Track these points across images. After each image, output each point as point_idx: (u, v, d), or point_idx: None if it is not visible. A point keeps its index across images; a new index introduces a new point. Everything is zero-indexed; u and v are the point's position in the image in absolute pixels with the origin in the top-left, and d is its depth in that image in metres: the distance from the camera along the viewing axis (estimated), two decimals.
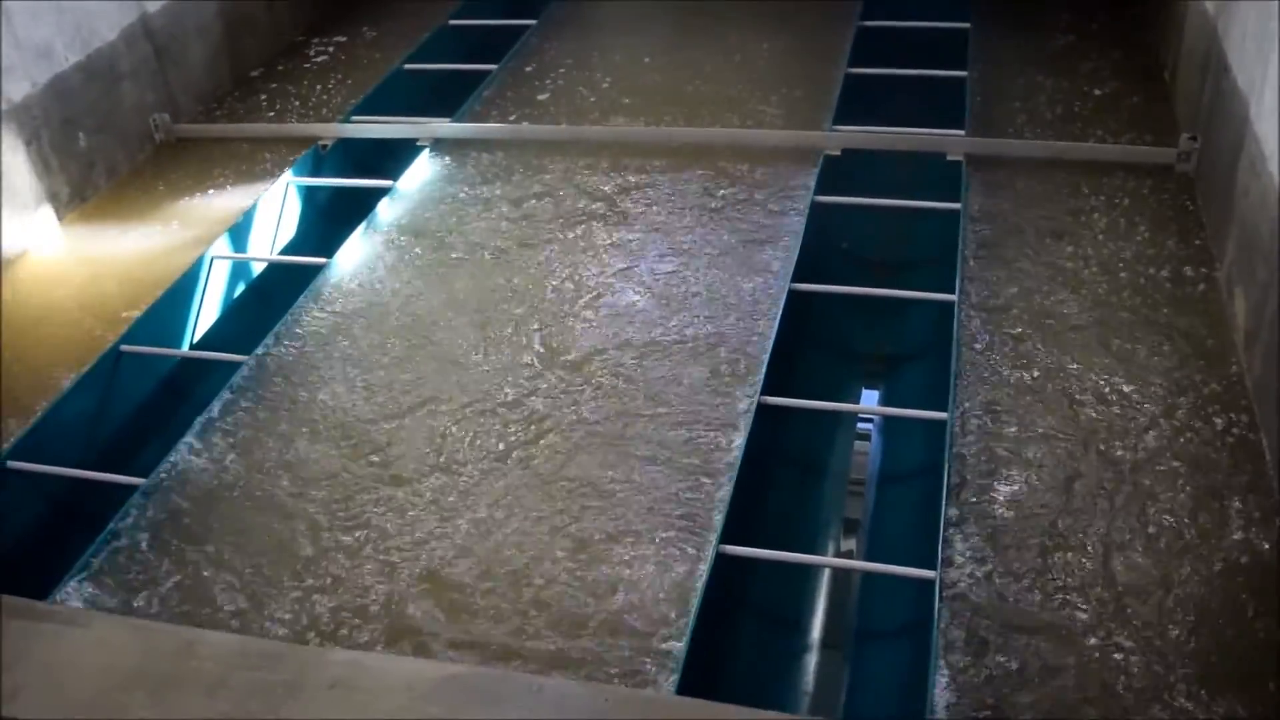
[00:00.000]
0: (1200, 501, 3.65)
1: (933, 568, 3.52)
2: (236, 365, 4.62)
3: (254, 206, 5.74)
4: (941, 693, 3.13)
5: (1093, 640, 3.22)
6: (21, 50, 5.37)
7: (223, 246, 5.49)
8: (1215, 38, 5.07)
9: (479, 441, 4.14)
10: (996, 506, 3.68)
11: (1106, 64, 6.41)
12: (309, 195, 6.22)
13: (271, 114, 6.65)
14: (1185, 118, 5.62)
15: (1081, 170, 5.44)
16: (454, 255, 5.23)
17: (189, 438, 4.25)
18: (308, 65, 7.24)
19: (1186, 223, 5.02)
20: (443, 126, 6.32)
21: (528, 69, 6.96)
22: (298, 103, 6.75)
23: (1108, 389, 4.13)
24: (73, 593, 3.62)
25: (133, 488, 4.06)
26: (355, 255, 5.31)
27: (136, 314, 4.93)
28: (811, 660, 4.13)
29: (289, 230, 6.03)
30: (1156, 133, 5.67)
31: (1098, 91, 6.14)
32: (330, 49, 7.41)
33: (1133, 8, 6.91)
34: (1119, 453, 3.85)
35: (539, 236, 5.28)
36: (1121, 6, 6.96)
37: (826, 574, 4.45)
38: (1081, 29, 6.83)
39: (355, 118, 6.52)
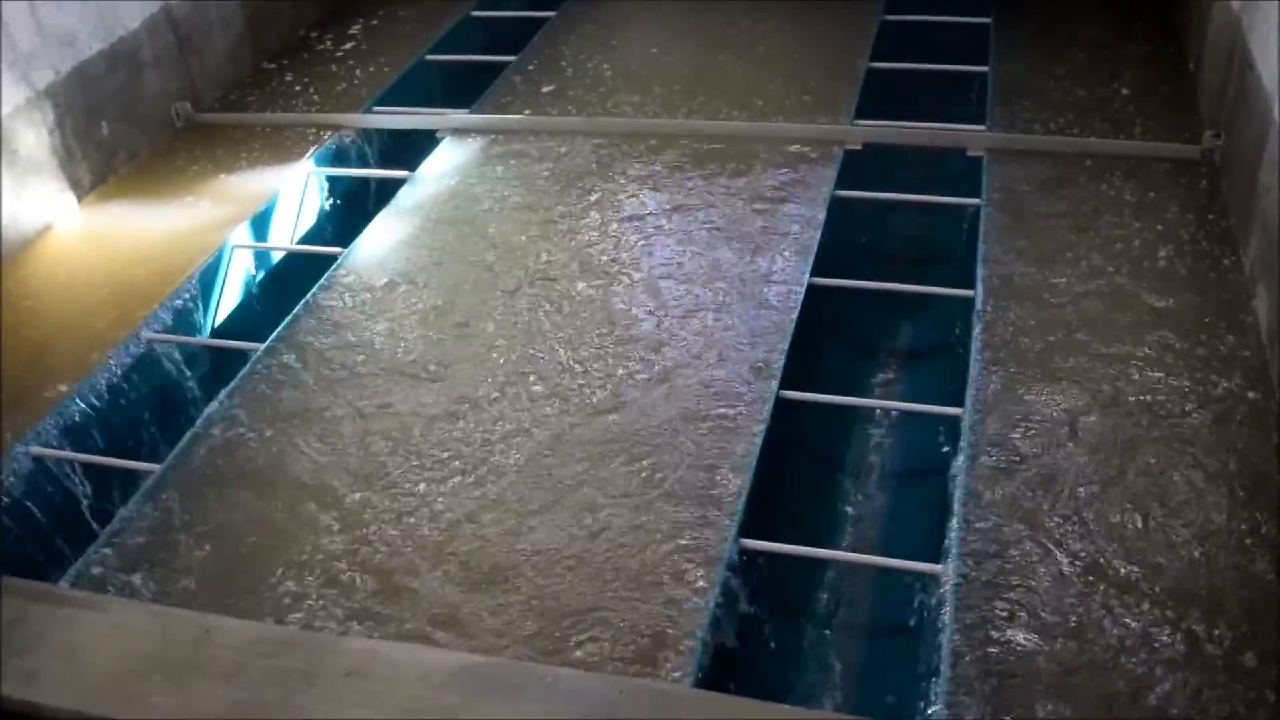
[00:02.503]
0: (1217, 488, 3.65)
1: (941, 562, 3.52)
2: (255, 353, 4.65)
3: (275, 196, 5.75)
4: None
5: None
6: (45, 38, 5.40)
7: (243, 235, 5.51)
8: (1240, 34, 5.04)
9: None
10: (1008, 496, 3.68)
11: (1130, 59, 6.36)
12: (329, 184, 6.23)
13: (293, 103, 6.66)
14: (1210, 114, 5.58)
15: (1104, 165, 5.41)
16: (473, 241, 5.24)
17: (204, 418, 4.31)
18: (330, 55, 7.25)
19: (1211, 217, 4.97)
20: (462, 117, 6.33)
21: (547, 61, 6.95)
22: (319, 93, 6.76)
23: (1133, 382, 4.10)
24: (86, 573, 3.67)
25: (150, 474, 4.09)
26: (376, 241, 5.33)
27: (156, 302, 4.95)
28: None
29: (309, 219, 6.05)
30: (1180, 128, 5.62)
31: (1121, 86, 6.10)
32: (353, 39, 7.42)
33: (1157, 2, 6.85)
34: (1141, 444, 3.83)
35: (558, 227, 5.28)
36: (1145, 1, 6.90)
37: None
38: (1105, 23, 6.79)
39: (376, 108, 6.53)
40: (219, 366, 4.98)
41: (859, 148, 5.76)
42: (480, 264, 5.08)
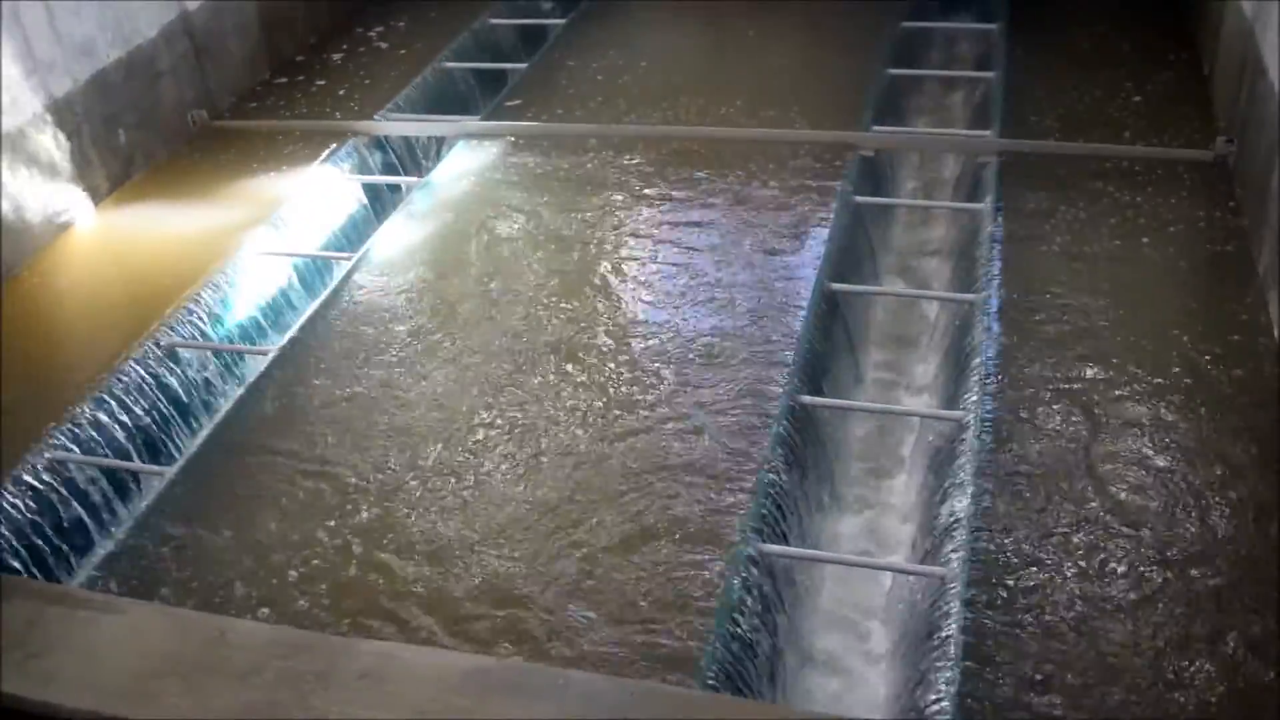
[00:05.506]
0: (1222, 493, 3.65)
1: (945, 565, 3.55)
2: (268, 357, 4.69)
3: (289, 202, 5.78)
4: None
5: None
6: (64, 46, 5.45)
7: (257, 240, 5.54)
8: (1252, 39, 5.03)
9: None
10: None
11: (1144, 63, 6.34)
12: (344, 191, 6.26)
13: (308, 110, 6.71)
14: (1224, 119, 5.57)
15: (1115, 170, 5.40)
16: (485, 245, 5.27)
17: (217, 420, 4.36)
18: (344, 62, 7.29)
19: (1224, 223, 4.96)
20: (475, 124, 6.36)
21: (560, 67, 6.98)
22: (334, 99, 6.80)
23: (1145, 385, 4.10)
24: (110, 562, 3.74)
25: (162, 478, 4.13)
26: (389, 246, 5.36)
27: (171, 306, 4.97)
28: None
29: (324, 225, 6.07)
30: (1194, 134, 5.61)
31: (1134, 91, 6.08)
32: (367, 46, 7.46)
33: (1170, 7, 6.84)
34: (1150, 451, 3.83)
35: (570, 231, 5.30)
36: (1158, 7, 6.88)
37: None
38: (1119, 28, 6.77)
39: (391, 114, 6.56)
40: (233, 370, 5.01)
41: (872, 154, 5.77)
42: (493, 268, 5.10)
